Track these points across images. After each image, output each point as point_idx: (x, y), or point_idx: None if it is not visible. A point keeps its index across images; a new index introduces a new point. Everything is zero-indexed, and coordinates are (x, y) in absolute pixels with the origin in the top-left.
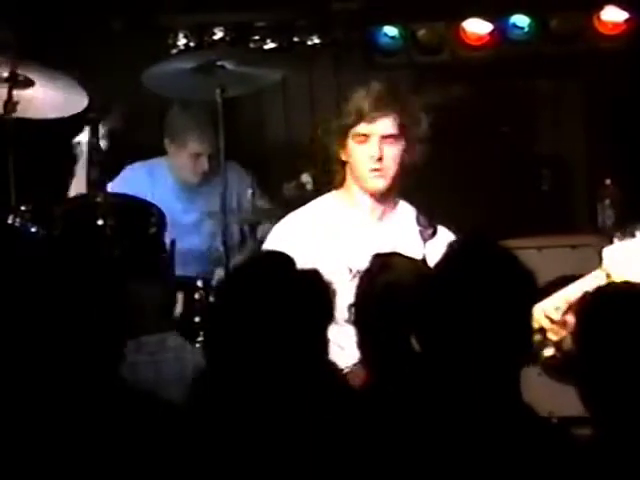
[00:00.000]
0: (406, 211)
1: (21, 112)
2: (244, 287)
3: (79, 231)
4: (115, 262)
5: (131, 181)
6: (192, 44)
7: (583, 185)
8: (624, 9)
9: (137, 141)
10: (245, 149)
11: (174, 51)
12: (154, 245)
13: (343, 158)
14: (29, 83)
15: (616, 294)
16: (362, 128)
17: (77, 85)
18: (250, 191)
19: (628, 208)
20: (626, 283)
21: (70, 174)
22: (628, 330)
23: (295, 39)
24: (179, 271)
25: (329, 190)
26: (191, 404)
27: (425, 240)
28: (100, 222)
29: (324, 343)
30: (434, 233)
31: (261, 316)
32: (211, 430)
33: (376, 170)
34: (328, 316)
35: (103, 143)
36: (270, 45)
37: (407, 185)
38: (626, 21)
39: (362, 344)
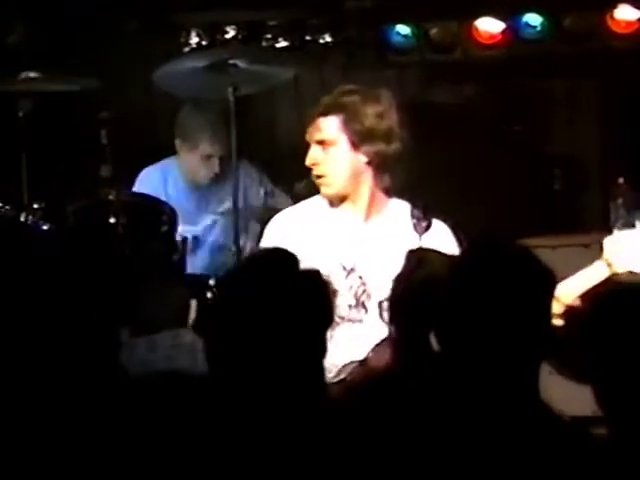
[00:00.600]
0: (398, 208)
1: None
2: (243, 286)
3: (91, 229)
4: (126, 260)
5: (146, 183)
6: (204, 43)
7: (596, 184)
8: (638, 7)
9: (150, 140)
10: (257, 147)
11: (186, 50)
12: (166, 243)
13: None
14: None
15: (628, 291)
16: (307, 136)
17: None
18: (262, 190)
19: None
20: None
21: (82, 172)
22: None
23: (307, 37)
24: (190, 270)
25: None
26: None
27: (420, 233)
28: (112, 220)
29: (323, 344)
30: (429, 226)
31: (260, 315)
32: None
33: (319, 177)
34: (328, 316)
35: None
36: (282, 43)
37: (417, 184)
38: (639, 20)
39: (397, 341)
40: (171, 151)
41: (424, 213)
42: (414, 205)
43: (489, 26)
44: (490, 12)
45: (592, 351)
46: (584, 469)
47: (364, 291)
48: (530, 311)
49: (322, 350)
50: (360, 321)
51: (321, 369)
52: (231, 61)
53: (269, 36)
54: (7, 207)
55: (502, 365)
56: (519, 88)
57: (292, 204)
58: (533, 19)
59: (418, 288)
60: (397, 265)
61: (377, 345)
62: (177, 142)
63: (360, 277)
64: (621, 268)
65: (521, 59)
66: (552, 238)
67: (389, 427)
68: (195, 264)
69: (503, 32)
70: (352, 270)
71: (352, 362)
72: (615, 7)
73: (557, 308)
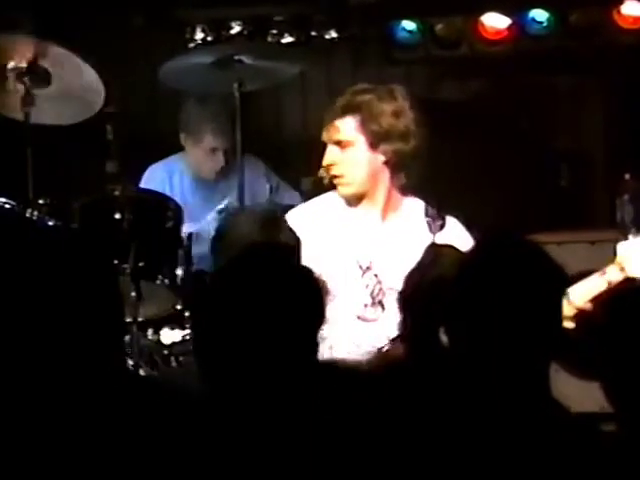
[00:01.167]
0: (413, 206)
1: (35, 118)
2: (231, 281)
3: (96, 225)
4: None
5: (152, 181)
6: (210, 38)
7: (602, 180)
8: None
9: (156, 136)
10: (262, 143)
11: (192, 45)
12: (171, 239)
13: None
14: (46, 79)
15: None
16: (324, 136)
17: (95, 76)
18: (268, 185)
19: None
20: None
21: (87, 168)
22: None
23: (313, 33)
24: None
25: None
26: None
27: (434, 232)
28: (117, 216)
29: (313, 342)
30: (443, 225)
31: (248, 311)
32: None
33: (336, 178)
34: (318, 314)
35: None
36: (288, 39)
37: (424, 181)
38: None
39: (405, 330)
40: (177, 147)
41: (438, 212)
42: (428, 203)
43: (495, 22)
44: (496, 7)
45: (606, 352)
46: (595, 466)
47: (380, 289)
48: (541, 307)
49: (312, 348)
50: (376, 320)
51: (311, 365)
52: (236, 57)
53: (274, 32)
54: (12, 203)
55: (512, 361)
56: (525, 84)
57: (299, 199)
58: (539, 14)
59: (433, 283)
60: (413, 263)
61: (391, 341)
62: (182, 136)
63: (376, 275)
64: (634, 273)
65: (527, 55)
66: (557, 234)
67: (397, 422)
68: (198, 260)
69: (509, 28)
70: (368, 269)
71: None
72: (621, 2)
73: (569, 310)
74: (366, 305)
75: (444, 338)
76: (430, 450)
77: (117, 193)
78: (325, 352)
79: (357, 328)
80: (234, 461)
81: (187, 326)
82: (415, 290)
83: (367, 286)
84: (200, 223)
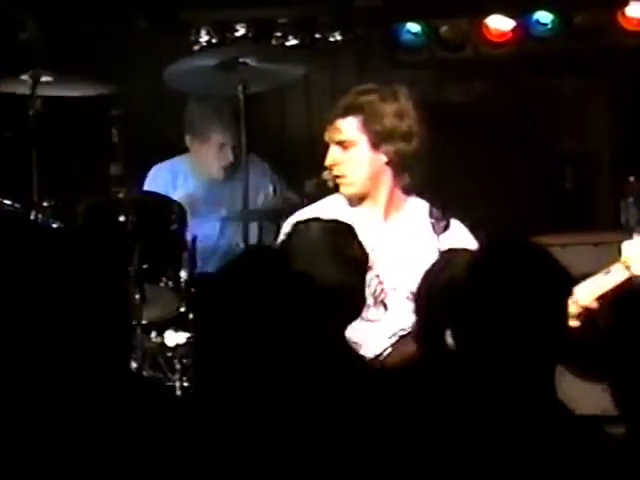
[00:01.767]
0: (416, 207)
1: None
2: (229, 285)
3: (101, 227)
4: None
5: (155, 181)
6: (214, 41)
7: (606, 182)
8: None
9: (160, 138)
10: (266, 145)
11: (196, 48)
12: (175, 241)
13: None
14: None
15: None
16: (326, 136)
17: (100, 85)
18: (271, 187)
19: None
20: None
21: (92, 170)
22: None
23: (317, 35)
24: (201, 268)
25: None
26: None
27: (438, 233)
28: (122, 218)
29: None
30: (447, 226)
31: (245, 314)
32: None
33: (339, 177)
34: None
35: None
36: (292, 41)
37: (429, 183)
38: None
39: (418, 330)
40: (182, 149)
41: (443, 213)
42: (432, 205)
43: (500, 24)
44: (501, 10)
45: (613, 352)
46: (600, 468)
47: (382, 290)
48: (547, 310)
49: (311, 351)
50: (378, 320)
51: (311, 366)
52: (241, 59)
53: (279, 34)
54: (17, 205)
55: (518, 364)
56: (530, 86)
57: (301, 202)
58: (544, 16)
59: (445, 287)
60: (415, 264)
61: (398, 341)
62: (188, 137)
63: (378, 276)
64: (639, 271)
65: (532, 57)
66: (561, 236)
67: (403, 424)
68: (203, 263)
69: (514, 30)
70: (370, 268)
71: (405, 336)
72: (626, 4)
73: (574, 310)
74: (368, 305)
75: (450, 341)
76: (436, 451)
77: (121, 195)
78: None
79: (359, 328)
80: (231, 463)
81: (191, 328)
82: (428, 292)
83: (369, 286)
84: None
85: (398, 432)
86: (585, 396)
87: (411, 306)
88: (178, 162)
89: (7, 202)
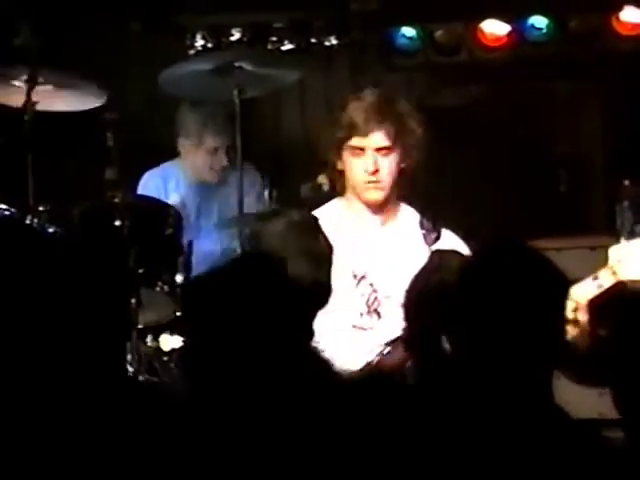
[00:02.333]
0: (409, 215)
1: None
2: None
3: (96, 232)
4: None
5: (148, 188)
6: (210, 45)
7: (601, 186)
8: None
9: (155, 143)
10: (262, 150)
11: (192, 52)
12: (171, 246)
13: (339, 168)
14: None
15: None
16: (357, 141)
17: (96, 88)
18: (267, 192)
19: None
20: None
21: (87, 174)
22: None
23: (312, 40)
24: (196, 273)
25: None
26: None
27: (429, 244)
28: (117, 223)
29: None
30: (438, 237)
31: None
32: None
33: (372, 182)
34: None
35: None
36: (287, 46)
37: (422, 187)
38: None
39: (408, 335)
40: (177, 153)
41: (434, 224)
42: (423, 215)
43: (495, 28)
44: (496, 14)
45: (608, 356)
46: (598, 472)
47: (375, 298)
48: (544, 314)
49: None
50: (371, 328)
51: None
52: (236, 63)
53: (274, 38)
54: (13, 210)
55: (515, 368)
56: (525, 90)
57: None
58: (539, 21)
59: (436, 289)
60: (409, 272)
61: (389, 345)
62: (181, 140)
63: (371, 284)
64: (626, 278)
65: (527, 61)
66: (556, 240)
67: (397, 428)
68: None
69: (509, 34)
70: (363, 278)
71: (392, 343)
72: (621, 9)
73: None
74: (362, 314)
75: (446, 345)
76: (432, 455)
77: (117, 200)
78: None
79: (353, 337)
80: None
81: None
82: (419, 295)
83: (362, 295)
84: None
85: (394, 438)
86: (581, 400)
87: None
88: (169, 167)
89: (3, 206)
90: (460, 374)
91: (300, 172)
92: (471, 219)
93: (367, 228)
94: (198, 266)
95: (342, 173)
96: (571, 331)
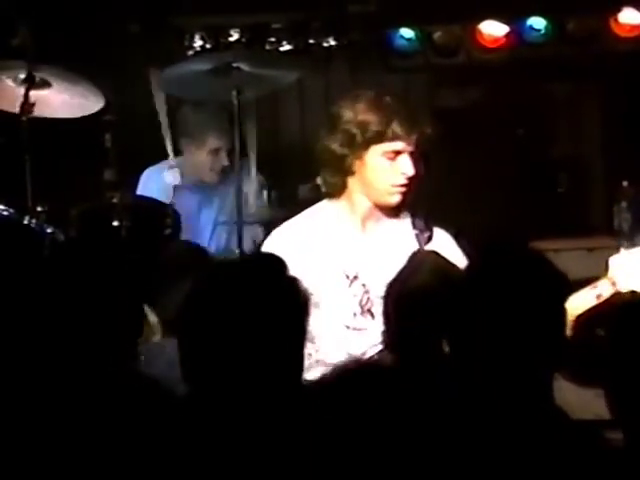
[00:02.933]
0: (403, 216)
1: (37, 112)
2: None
3: (95, 232)
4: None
5: (149, 184)
6: (208, 46)
7: (600, 187)
8: None
9: (154, 144)
10: (260, 150)
11: (190, 53)
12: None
13: (353, 169)
14: (46, 84)
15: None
16: (395, 145)
17: (93, 87)
18: (265, 192)
19: None
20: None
21: (85, 175)
22: None
23: (311, 41)
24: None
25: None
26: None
27: (422, 244)
28: (116, 223)
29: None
30: (430, 237)
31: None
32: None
33: (401, 186)
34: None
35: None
36: (286, 47)
37: (421, 189)
38: None
39: (391, 337)
40: (175, 154)
41: (426, 224)
42: (415, 216)
43: (493, 29)
44: (494, 15)
45: (603, 360)
46: (598, 472)
47: (368, 299)
48: (544, 315)
49: (297, 364)
50: (365, 329)
51: (297, 379)
52: (235, 64)
53: (273, 39)
54: (11, 210)
55: (515, 369)
56: (523, 91)
57: (292, 209)
58: (537, 22)
59: (416, 290)
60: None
61: (379, 352)
62: (183, 141)
63: (364, 285)
64: (625, 287)
65: (525, 62)
66: (554, 241)
67: (396, 432)
68: None
69: (507, 35)
70: (355, 278)
71: (383, 350)
72: (619, 10)
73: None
74: (355, 314)
75: (446, 347)
76: (432, 456)
77: (115, 200)
78: (316, 362)
79: (346, 337)
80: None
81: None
82: (399, 296)
83: (355, 295)
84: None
85: (394, 441)
86: (579, 401)
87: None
88: (168, 165)
89: (1, 207)
90: (458, 376)
91: (299, 173)
92: (469, 220)
93: (359, 229)
94: None
95: (352, 175)
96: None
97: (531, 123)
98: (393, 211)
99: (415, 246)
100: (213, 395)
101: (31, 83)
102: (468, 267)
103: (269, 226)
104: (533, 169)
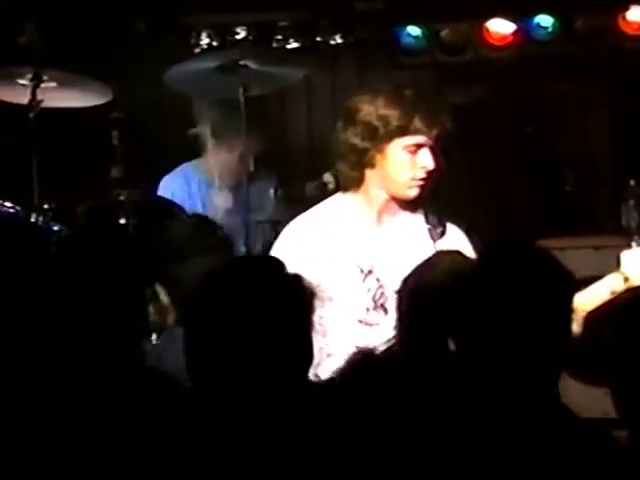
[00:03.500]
0: (418, 211)
1: (46, 104)
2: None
3: (102, 229)
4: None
5: (168, 189)
6: (215, 44)
7: (607, 186)
8: None
9: (161, 141)
10: (267, 148)
11: (197, 50)
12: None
13: (375, 162)
14: (53, 82)
15: None
16: (417, 139)
17: (100, 84)
18: (272, 191)
19: None
20: None
21: (92, 173)
22: None
23: (318, 39)
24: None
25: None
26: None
27: (434, 239)
28: (122, 221)
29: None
30: (443, 232)
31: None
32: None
33: (421, 180)
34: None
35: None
36: (293, 44)
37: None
38: None
39: (402, 334)
40: (182, 151)
41: (439, 219)
42: (428, 211)
43: (500, 27)
44: (501, 13)
45: (611, 358)
46: (604, 471)
47: (382, 293)
48: (551, 313)
49: (304, 358)
50: (378, 324)
51: (302, 374)
52: (242, 62)
53: (279, 37)
54: (18, 208)
55: (521, 367)
56: (530, 89)
57: (300, 206)
58: (544, 20)
59: (432, 287)
60: (414, 266)
61: (393, 344)
62: (211, 142)
63: (378, 279)
64: (637, 282)
65: (532, 60)
66: (561, 240)
67: (402, 429)
68: None
69: (514, 33)
70: (370, 272)
71: (393, 342)
72: (627, 9)
73: (573, 318)
74: (368, 309)
75: (452, 345)
76: (438, 454)
77: (122, 198)
78: (327, 356)
79: (359, 332)
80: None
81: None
82: (414, 293)
83: (369, 290)
84: None
85: (399, 438)
86: (586, 399)
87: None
88: (188, 168)
89: (8, 204)
90: (465, 374)
91: (305, 170)
92: (476, 217)
93: (374, 223)
94: None
95: (372, 168)
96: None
97: (538, 121)
98: (409, 205)
99: (428, 241)
100: (218, 391)
101: (38, 81)
102: (472, 265)
103: (277, 225)
104: (540, 167)
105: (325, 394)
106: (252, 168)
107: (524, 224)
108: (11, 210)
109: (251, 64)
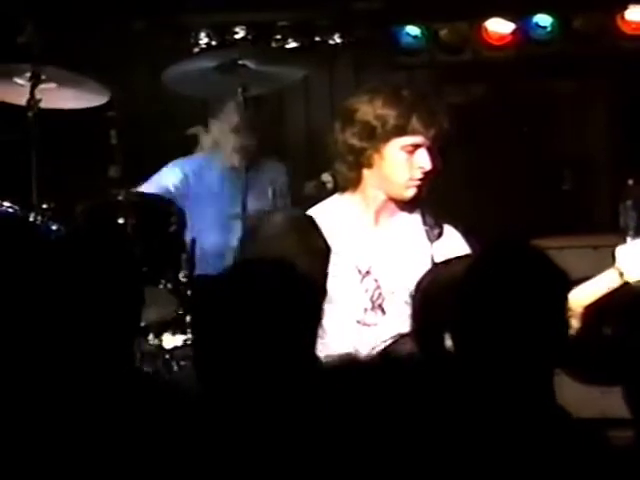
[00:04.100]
0: (415, 211)
1: (44, 104)
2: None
3: (100, 229)
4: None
5: (175, 170)
6: (214, 43)
7: (605, 185)
8: None
9: (159, 140)
10: (266, 147)
11: (196, 50)
12: (174, 243)
13: (372, 162)
14: (52, 81)
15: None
16: (415, 139)
17: (98, 84)
18: (270, 190)
19: None
20: None
21: (91, 172)
22: None
23: (317, 38)
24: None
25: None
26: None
27: (432, 240)
28: (121, 220)
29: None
30: (440, 233)
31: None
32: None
33: (418, 180)
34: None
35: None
36: (292, 44)
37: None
38: None
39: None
40: (181, 151)
41: (436, 220)
42: (426, 212)
43: (499, 27)
44: (500, 13)
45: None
46: (601, 471)
47: (380, 294)
48: (546, 313)
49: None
50: (375, 324)
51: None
52: (240, 62)
53: (278, 37)
54: (16, 207)
55: (518, 366)
56: (529, 89)
57: (297, 205)
58: (543, 20)
59: (444, 290)
60: (413, 268)
61: (394, 342)
62: (223, 130)
63: (375, 280)
64: (632, 278)
65: (531, 60)
66: (559, 239)
67: (399, 427)
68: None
69: (513, 33)
70: (368, 273)
71: (404, 336)
72: (625, 8)
73: (571, 314)
74: (366, 309)
75: (449, 343)
76: (435, 453)
77: (120, 197)
78: (323, 357)
79: (357, 332)
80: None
81: (189, 330)
82: (427, 293)
83: (367, 290)
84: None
85: (396, 437)
86: (586, 398)
87: (409, 310)
88: (200, 158)
89: (6, 204)
90: (462, 372)
91: (304, 170)
92: (474, 217)
93: (372, 223)
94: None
95: (370, 168)
96: (573, 329)
97: (537, 120)
98: (407, 205)
99: (425, 242)
100: (225, 393)
101: (37, 80)
102: (470, 264)
103: None
104: (538, 166)
105: (325, 394)
106: (250, 142)
107: (522, 223)
108: (10, 209)
109: (250, 64)
